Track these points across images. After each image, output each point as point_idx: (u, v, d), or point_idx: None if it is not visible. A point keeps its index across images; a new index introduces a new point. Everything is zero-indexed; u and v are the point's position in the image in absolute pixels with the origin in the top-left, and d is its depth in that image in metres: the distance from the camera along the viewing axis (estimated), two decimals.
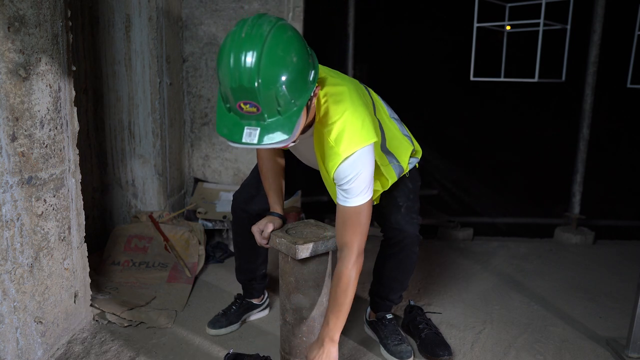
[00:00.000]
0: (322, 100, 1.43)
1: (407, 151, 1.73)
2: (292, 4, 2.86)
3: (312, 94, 1.30)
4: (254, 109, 1.21)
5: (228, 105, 1.25)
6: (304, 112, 1.28)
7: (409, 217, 1.75)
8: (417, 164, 1.82)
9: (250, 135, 1.22)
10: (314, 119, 1.46)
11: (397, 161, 1.69)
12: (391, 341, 1.85)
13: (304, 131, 1.45)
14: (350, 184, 1.42)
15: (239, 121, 1.24)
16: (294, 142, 1.32)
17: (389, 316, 1.93)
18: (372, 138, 1.42)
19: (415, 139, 1.83)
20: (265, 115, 1.22)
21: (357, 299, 2.28)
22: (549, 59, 3.08)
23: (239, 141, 1.23)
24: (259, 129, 1.22)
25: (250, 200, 1.90)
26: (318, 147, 1.47)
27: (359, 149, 1.39)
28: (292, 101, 1.23)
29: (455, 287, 2.43)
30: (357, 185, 1.42)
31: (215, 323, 1.99)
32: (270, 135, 1.23)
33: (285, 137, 1.23)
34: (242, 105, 1.21)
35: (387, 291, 1.92)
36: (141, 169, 2.78)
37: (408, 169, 1.74)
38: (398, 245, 1.78)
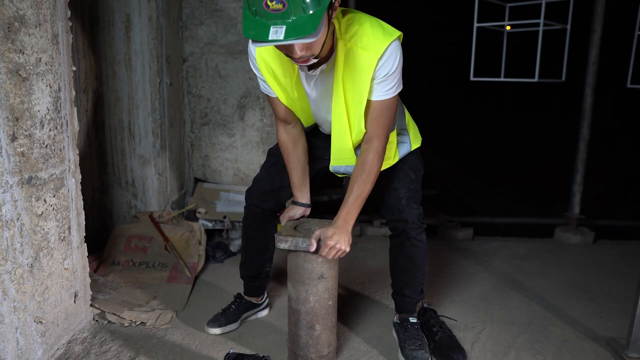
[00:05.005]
0: (344, 20, 1.52)
1: (416, 136, 1.86)
2: None
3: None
4: (280, 6, 1.26)
5: (254, 9, 1.30)
6: (325, 18, 1.33)
7: (410, 207, 1.78)
8: (418, 151, 1.89)
9: (277, 33, 1.28)
10: (332, 49, 1.51)
11: (410, 141, 1.80)
12: (408, 345, 1.81)
13: (324, 61, 1.51)
14: (389, 74, 1.52)
15: (265, 22, 1.29)
16: (316, 58, 1.40)
17: (412, 320, 1.90)
18: (397, 32, 1.51)
19: None
20: (291, 13, 1.27)
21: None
22: (549, 59, 3.08)
23: (266, 39, 1.28)
24: (284, 27, 1.27)
25: (263, 196, 1.92)
26: (346, 71, 1.53)
27: (390, 43, 1.48)
28: None
29: (455, 287, 2.43)
30: (393, 76, 1.53)
31: (215, 322, 1.99)
32: (296, 32, 1.27)
33: (309, 33, 1.27)
34: (268, 2, 1.27)
35: (401, 286, 1.91)
36: (141, 169, 2.78)
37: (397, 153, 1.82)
38: (402, 235, 1.81)
